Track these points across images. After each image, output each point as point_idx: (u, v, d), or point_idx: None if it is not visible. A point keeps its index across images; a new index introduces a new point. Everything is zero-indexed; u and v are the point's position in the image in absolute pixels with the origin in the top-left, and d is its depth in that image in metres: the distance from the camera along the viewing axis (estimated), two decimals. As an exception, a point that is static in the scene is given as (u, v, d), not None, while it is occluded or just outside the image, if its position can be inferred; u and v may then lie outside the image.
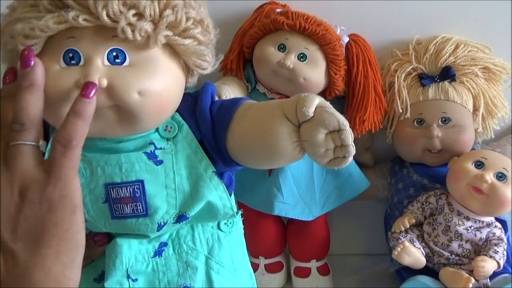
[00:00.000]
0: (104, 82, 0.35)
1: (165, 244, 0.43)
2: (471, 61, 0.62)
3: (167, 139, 0.42)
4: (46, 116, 0.38)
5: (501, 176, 0.57)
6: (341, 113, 0.62)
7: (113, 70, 0.36)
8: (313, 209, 0.63)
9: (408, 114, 0.62)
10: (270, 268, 0.69)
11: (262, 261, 0.68)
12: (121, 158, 0.40)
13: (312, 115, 0.36)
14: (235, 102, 0.43)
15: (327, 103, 0.37)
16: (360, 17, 0.65)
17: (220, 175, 0.43)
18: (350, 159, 0.36)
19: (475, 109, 0.63)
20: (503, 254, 0.56)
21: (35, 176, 0.32)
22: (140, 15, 0.36)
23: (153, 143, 0.41)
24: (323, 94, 0.62)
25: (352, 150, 0.36)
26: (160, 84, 0.38)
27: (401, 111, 0.63)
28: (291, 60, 0.56)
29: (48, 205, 0.32)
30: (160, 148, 0.41)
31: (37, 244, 0.32)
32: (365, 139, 0.67)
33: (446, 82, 0.62)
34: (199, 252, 0.44)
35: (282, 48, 0.57)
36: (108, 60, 0.37)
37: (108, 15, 0.35)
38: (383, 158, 0.72)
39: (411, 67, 0.64)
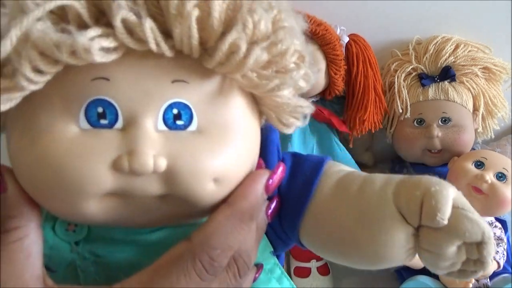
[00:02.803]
0: (163, 165, 0.22)
1: None
2: (471, 61, 0.62)
3: None
4: (55, 210, 0.24)
5: (501, 176, 0.57)
6: (341, 113, 0.63)
7: (174, 140, 0.23)
8: (313, 209, 0.63)
9: (408, 114, 0.62)
10: (270, 268, 0.68)
11: (262, 261, 0.68)
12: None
13: (446, 222, 0.25)
14: (315, 167, 0.30)
15: (465, 201, 0.26)
16: (360, 17, 0.65)
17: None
18: (481, 273, 0.27)
19: (475, 109, 0.63)
20: (503, 254, 0.56)
21: None
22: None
23: None
24: (323, 94, 0.62)
25: (490, 265, 0.26)
26: (244, 160, 0.25)
27: (401, 111, 0.63)
28: (291, 60, 0.56)
29: None
30: None
31: None
32: (365, 139, 0.67)
33: (446, 82, 0.62)
34: None
35: (282, 48, 0.57)
36: (165, 121, 0.23)
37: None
38: (383, 158, 0.72)
39: (411, 67, 0.63)
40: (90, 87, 0.22)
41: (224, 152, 0.23)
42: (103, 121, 0.22)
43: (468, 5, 0.64)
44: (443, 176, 0.61)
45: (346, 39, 0.60)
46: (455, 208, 0.25)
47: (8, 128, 0.25)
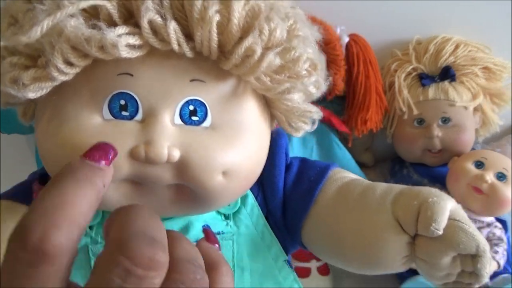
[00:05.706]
0: (176, 155, 0.24)
1: None
2: (471, 61, 0.62)
3: (226, 217, 0.31)
4: None
5: (501, 176, 0.57)
6: (342, 112, 0.63)
7: (188, 134, 0.25)
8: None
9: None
10: (270, 268, 0.68)
11: (262, 261, 0.68)
12: None
13: (441, 232, 0.26)
14: (320, 173, 0.31)
15: (463, 214, 0.28)
16: (360, 17, 0.65)
17: None
18: (477, 286, 0.28)
19: (475, 109, 0.63)
20: (503, 254, 0.56)
21: None
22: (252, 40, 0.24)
23: (207, 227, 0.30)
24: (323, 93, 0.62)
25: (486, 278, 0.27)
26: (252, 157, 0.27)
27: (404, 110, 0.63)
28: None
29: None
30: (218, 233, 0.30)
31: None
32: (365, 139, 0.67)
33: (446, 82, 0.62)
34: None
35: (282, 48, 0.57)
36: (181, 116, 0.25)
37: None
38: (383, 158, 0.72)
39: (411, 67, 0.63)
40: (115, 81, 0.24)
41: (234, 148, 0.25)
42: (125, 113, 0.24)
43: (468, 5, 0.64)
44: (443, 176, 0.61)
45: (346, 39, 0.60)
46: (451, 220, 0.26)
47: (36, 115, 0.27)
